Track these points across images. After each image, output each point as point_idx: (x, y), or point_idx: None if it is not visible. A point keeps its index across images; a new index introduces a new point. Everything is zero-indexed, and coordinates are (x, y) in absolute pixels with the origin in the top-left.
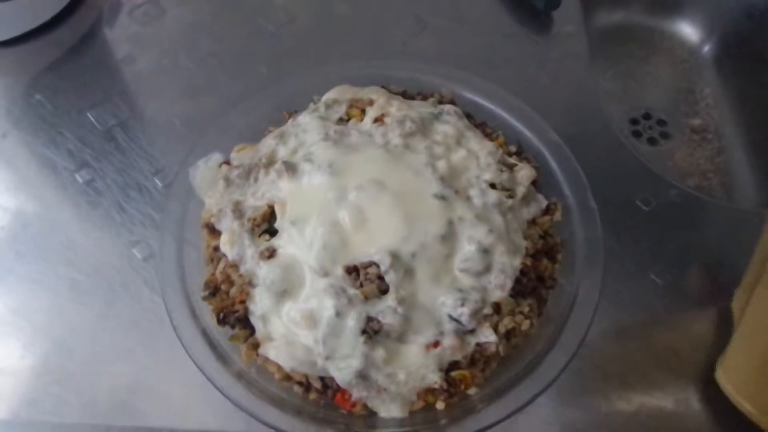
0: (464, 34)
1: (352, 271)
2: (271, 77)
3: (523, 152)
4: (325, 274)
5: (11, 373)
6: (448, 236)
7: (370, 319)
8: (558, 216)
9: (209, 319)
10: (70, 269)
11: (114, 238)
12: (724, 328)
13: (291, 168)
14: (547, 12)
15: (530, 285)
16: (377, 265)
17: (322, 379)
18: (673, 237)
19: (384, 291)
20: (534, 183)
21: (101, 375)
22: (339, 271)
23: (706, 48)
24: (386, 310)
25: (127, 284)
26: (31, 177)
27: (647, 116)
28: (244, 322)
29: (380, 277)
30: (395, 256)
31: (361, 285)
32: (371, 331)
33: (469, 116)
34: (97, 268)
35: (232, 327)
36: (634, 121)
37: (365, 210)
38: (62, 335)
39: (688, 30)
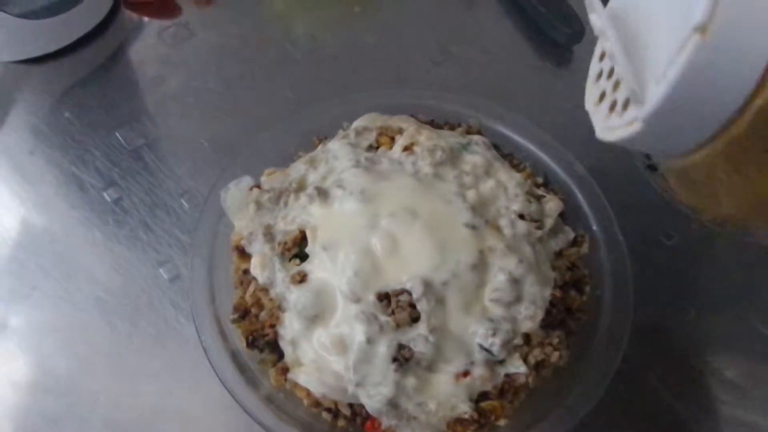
0: (487, 65)
1: (384, 298)
2: (297, 102)
3: (549, 184)
4: (357, 300)
5: (34, 391)
6: (479, 266)
7: (401, 347)
8: (585, 248)
9: (238, 342)
10: (95, 287)
11: (140, 257)
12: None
13: (323, 193)
14: (568, 46)
15: (559, 317)
16: (409, 293)
17: (350, 406)
18: (698, 272)
19: (415, 319)
20: (561, 215)
21: (125, 395)
22: (371, 297)
23: None
24: (417, 338)
25: (153, 304)
26: (58, 194)
27: None
28: (273, 346)
29: (412, 305)
30: (427, 284)
31: (393, 312)
32: (402, 358)
33: (496, 147)
34: (122, 287)
35: (261, 351)
36: (648, 155)
37: (397, 237)
38: (86, 354)
39: None
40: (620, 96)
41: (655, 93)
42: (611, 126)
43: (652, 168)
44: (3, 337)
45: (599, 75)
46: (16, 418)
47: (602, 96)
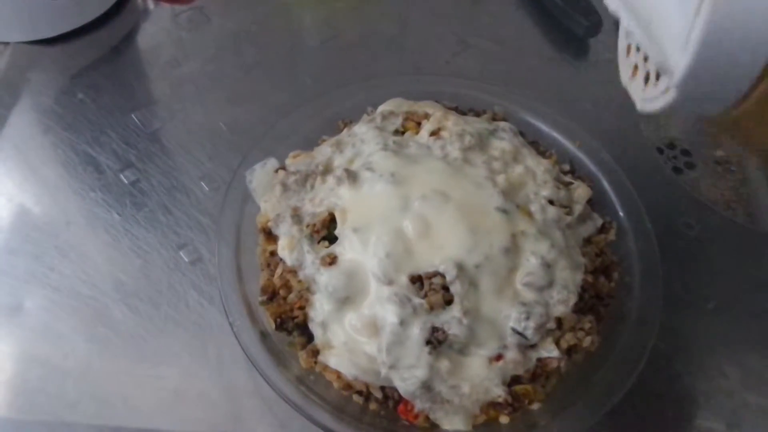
0: (505, 56)
1: (417, 280)
2: (315, 88)
3: (576, 171)
4: (389, 282)
5: (54, 374)
6: (512, 249)
7: (434, 329)
8: (612, 235)
9: (267, 324)
10: (114, 269)
11: (160, 239)
12: None
13: (352, 176)
14: (585, 39)
15: (590, 302)
16: (442, 275)
17: (382, 389)
18: (719, 262)
19: (448, 302)
20: (588, 202)
21: (146, 378)
22: (403, 279)
23: None
24: (451, 321)
25: (173, 287)
26: (74, 175)
27: (672, 146)
28: (303, 329)
29: (445, 288)
30: (460, 267)
31: (426, 294)
32: (436, 341)
33: (521, 134)
34: (142, 269)
35: (290, 333)
36: (659, 151)
37: (429, 220)
38: (106, 336)
39: None
40: (651, 67)
41: (682, 59)
42: (649, 97)
43: (677, 170)
44: (20, 319)
45: (628, 49)
46: (35, 401)
47: (635, 69)
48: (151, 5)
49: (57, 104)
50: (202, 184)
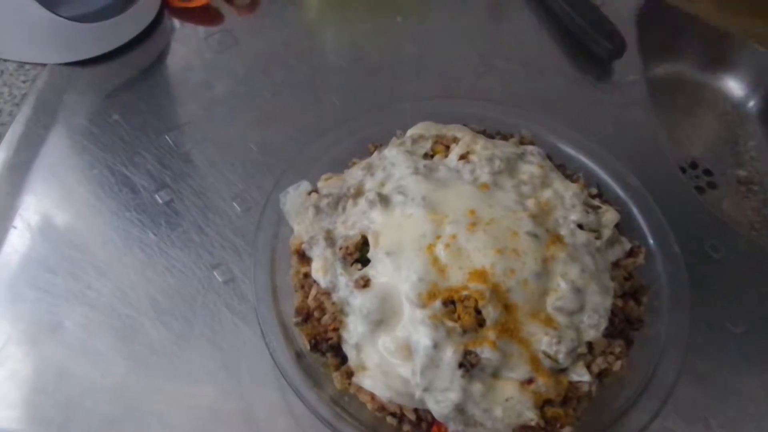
0: (529, 78)
1: (449, 303)
2: (343, 109)
3: (603, 195)
4: (423, 305)
5: (92, 391)
6: (543, 274)
7: (467, 353)
8: (641, 259)
9: (302, 344)
10: (150, 288)
11: (194, 259)
12: None
13: (384, 199)
14: (609, 61)
15: (620, 326)
16: (474, 299)
17: (415, 411)
18: (746, 285)
19: (481, 325)
20: (617, 226)
21: (181, 396)
22: (436, 303)
23: (751, 103)
24: (484, 344)
25: (207, 306)
26: (110, 195)
27: (694, 165)
28: (337, 350)
29: (477, 311)
30: (493, 291)
31: (459, 318)
32: (469, 364)
33: (548, 157)
34: (176, 288)
35: (324, 354)
36: (682, 170)
37: (461, 244)
38: (142, 354)
39: (734, 85)
40: None
41: None
42: None
43: (700, 190)
44: (59, 337)
45: None
46: (74, 417)
47: None
48: (180, 27)
49: (92, 125)
50: (234, 204)
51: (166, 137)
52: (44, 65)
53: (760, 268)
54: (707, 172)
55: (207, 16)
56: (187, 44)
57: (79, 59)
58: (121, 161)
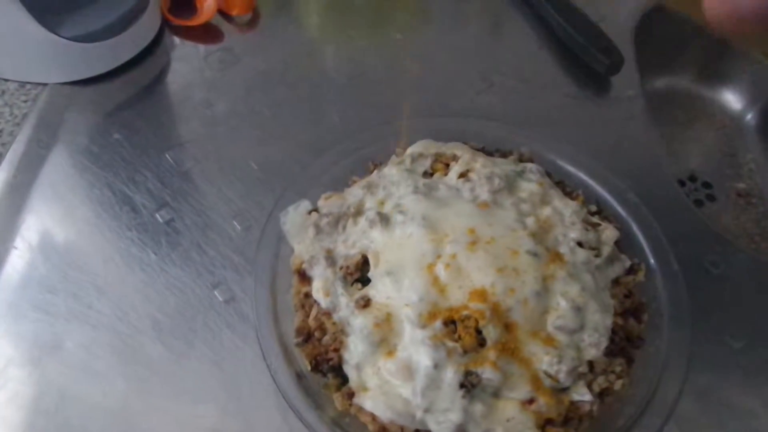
0: (528, 94)
1: (450, 323)
2: (344, 126)
3: (602, 212)
4: (423, 325)
5: (94, 412)
6: (542, 293)
7: (468, 373)
8: (641, 276)
9: (302, 365)
10: (150, 307)
11: (194, 278)
12: None
13: (384, 219)
14: (607, 76)
15: (621, 344)
16: (475, 319)
17: (417, 431)
18: (746, 300)
19: (481, 345)
20: (616, 243)
21: (183, 416)
22: (437, 323)
23: (749, 116)
24: (485, 364)
25: (208, 326)
26: (111, 214)
27: (693, 178)
28: (337, 371)
29: (478, 331)
30: (493, 311)
31: (459, 338)
32: (470, 384)
33: (548, 174)
34: (177, 308)
35: (324, 375)
36: (680, 183)
37: (461, 263)
38: (143, 374)
39: (732, 98)
40: None
41: None
42: None
43: (699, 203)
44: (60, 357)
45: None
46: None
47: None
48: (180, 45)
49: (93, 144)
50: (235, 223)
51: (167, 156)
52: (45, 85)
53: (759, 282)
54: (706, 185)
55: (207, 34)
56: (187, 62)
57: (80, 78)
58: (122, 180)
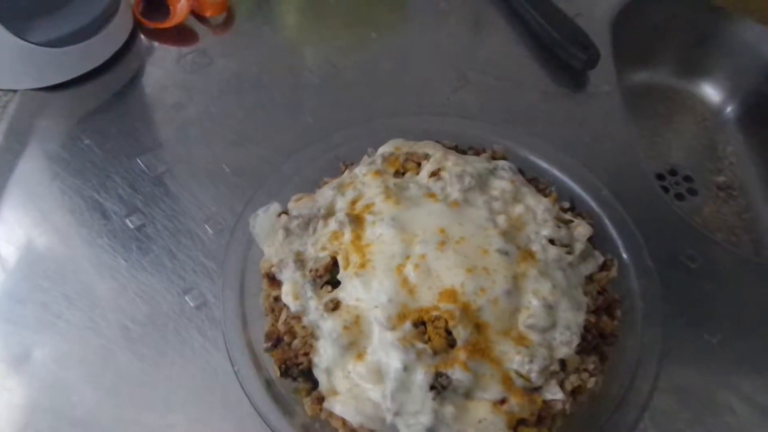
0: (504, 91)
1: (419, 324)
2: (317, 127)
3: (576, 208)
4: (392, 327)
5: (64, 424)
6: (513, 292)
7: (438, 374)
8: (614, 272)
9: (272, 371)
10: (121, 316)
11: (166, 284)
12: None
13: (354, 220)
14: (584, 71)
15: (593, 342)
16: (445, 319)
17: None
18: (722, 294)
19: (452, 345)
20: (589, 239)
21: (155, 426)
22: (406, 324)
23: (729, 108)
24: (455, 365)
25: (179, 333)
26: (81, 221)
27: (673, 172)
28: (307, 375)
29: (448, 332)
30: (463, 311)
31: (429, 339)
32: (440, 386)
33: (521, 172)
34: (148, 315)
35: (294, 379)
36: (661, 177)
37: (431, 263)
38: (113, 384)
39: (711, 91)
40: None
41: None
42: None
43: (680, 197)
44: (28, 368)
45: None
46: None
47: None
48: (154, 48)
49: (64, 150)
50: (206, 227)
51: (138, 161)
52: (15, 91)
53: (736, 277)
54: (687, 179)
55: (181, 36)
56: (160, 65)
57: (51, 84)
58: (92, 186)
